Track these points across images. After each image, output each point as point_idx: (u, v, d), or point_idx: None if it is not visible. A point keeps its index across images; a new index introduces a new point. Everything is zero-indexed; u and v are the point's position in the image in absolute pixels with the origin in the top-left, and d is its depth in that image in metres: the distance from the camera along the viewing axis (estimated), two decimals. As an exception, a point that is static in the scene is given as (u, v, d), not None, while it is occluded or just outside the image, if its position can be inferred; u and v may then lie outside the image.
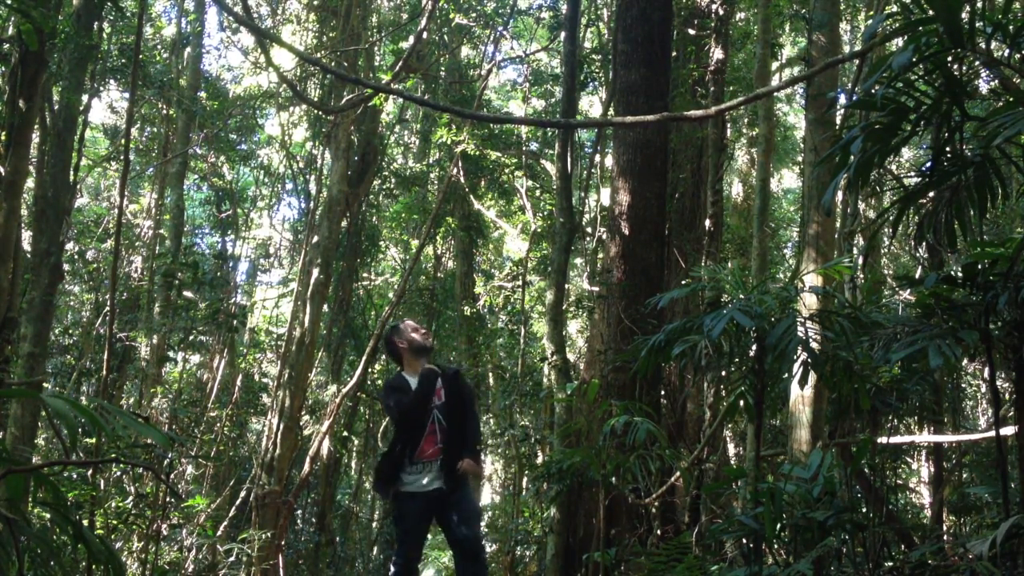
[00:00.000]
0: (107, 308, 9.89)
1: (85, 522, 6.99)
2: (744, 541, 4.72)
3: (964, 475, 10.78)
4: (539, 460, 12.41)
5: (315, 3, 14.56)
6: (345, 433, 15.61)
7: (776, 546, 4.45)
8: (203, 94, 15.33)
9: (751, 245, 9.25)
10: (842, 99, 7.61)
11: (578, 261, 15.67)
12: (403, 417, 5.05)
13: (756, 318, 4.49)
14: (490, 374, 17.55)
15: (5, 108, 7.55)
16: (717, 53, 10.84)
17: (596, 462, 6.37)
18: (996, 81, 3.71)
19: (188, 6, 15.99)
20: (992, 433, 6.22)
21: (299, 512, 15.70)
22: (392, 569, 4.97)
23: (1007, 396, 9.47)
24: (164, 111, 14.84)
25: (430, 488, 4.91)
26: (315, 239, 13.75)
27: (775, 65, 14.94)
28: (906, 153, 14.23)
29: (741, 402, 5.09)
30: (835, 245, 7.56)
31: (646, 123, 8.04)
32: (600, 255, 12.90)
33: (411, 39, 12.60)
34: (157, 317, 12.52)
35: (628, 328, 8.31)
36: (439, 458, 4.93)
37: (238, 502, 13.03)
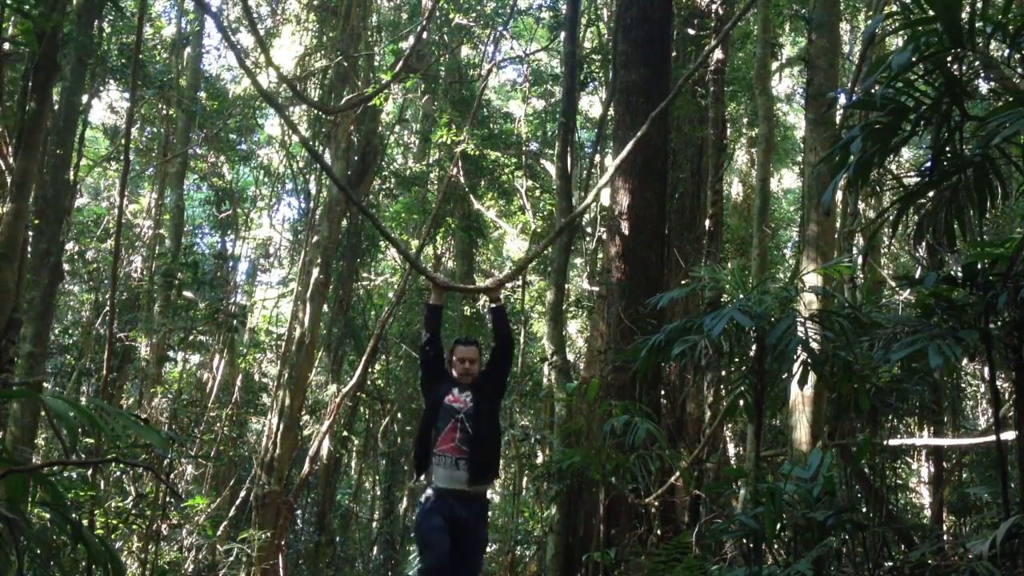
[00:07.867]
0: (107, 308, 9.89)
1: (85, 522, 6.99)
2: (744, 541, 4.72)
3: (964, 475, 10.78)
4: (539, 460, 12.41)
5: (315, 3, 14.55)
6: (345, 433, 15.60)
7: (776, 546, 4.45)
8: (203, 94, 15.32)
9: (751, 245, 9.25)
10: (842, 99, 7.62)
11: (578, 261, 15.67)
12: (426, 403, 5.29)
13: (756, 318, 4.49)
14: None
15: (16, 110, 7.55)
16: (717, 53, 10.83)
17: (596, 462, 6.37)
18: (996, 81, 3.71)
19: (188, 6, 15.98)
20: (992, 436, 6.21)
21: (299, 512, 15.69)
22: None
23: (1007, 396, 9.46)
24: (164, 111, 14.83)
25: (450, 486, 4.84)
26: (315, 239, 13.75)
27: (775, 65, 14.93)
28: (906, 153, 14.22)
29: (741, 402, 5.09)
30: (835, 245, 7.56)
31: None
32: (600, 255, 12.90)
33: (411, 39, 12.60)
34: (157, 317, 12.50)
35: (628, 328, 8.30)
36: (460, 458, 4.86)
37: (238, 502, 13.02)
